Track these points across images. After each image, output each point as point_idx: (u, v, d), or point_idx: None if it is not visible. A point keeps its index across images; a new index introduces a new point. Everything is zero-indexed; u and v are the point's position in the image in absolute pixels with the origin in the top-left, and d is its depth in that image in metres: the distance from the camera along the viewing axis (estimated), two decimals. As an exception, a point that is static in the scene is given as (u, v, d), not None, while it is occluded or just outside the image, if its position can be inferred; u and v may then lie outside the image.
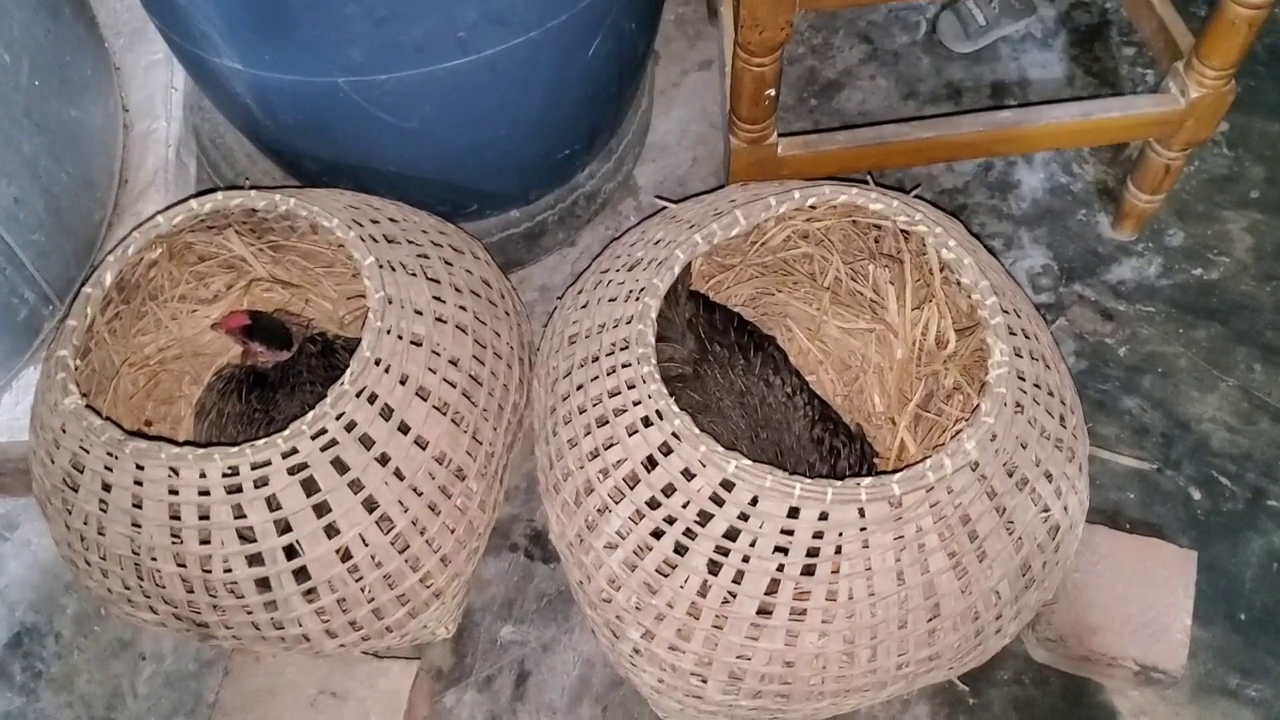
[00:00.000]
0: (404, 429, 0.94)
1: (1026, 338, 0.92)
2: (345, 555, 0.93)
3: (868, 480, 0.80)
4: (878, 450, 1.10)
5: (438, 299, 1.01)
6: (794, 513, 0.81)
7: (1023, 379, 0.89)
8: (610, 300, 0.97)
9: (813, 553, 0.82)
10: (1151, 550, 1.09)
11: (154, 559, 0.93)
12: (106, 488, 0.92)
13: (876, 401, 1.14)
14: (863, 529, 0.82)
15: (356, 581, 0.94)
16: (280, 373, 1.13)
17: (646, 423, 0.87)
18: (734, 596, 0.84)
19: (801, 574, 0.83)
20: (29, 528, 1.24)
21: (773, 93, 1.09)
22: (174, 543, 0.91)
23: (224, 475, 0.89)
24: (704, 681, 0.90)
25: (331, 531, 0.92)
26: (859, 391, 1.17)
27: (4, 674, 1.16)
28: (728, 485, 0.82)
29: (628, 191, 1.47)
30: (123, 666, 1.16)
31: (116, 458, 0.90)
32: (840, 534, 0.82)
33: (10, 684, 1.15)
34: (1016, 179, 1.46)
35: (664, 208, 1.09)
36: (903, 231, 1.04)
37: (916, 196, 1.03)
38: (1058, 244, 1.40)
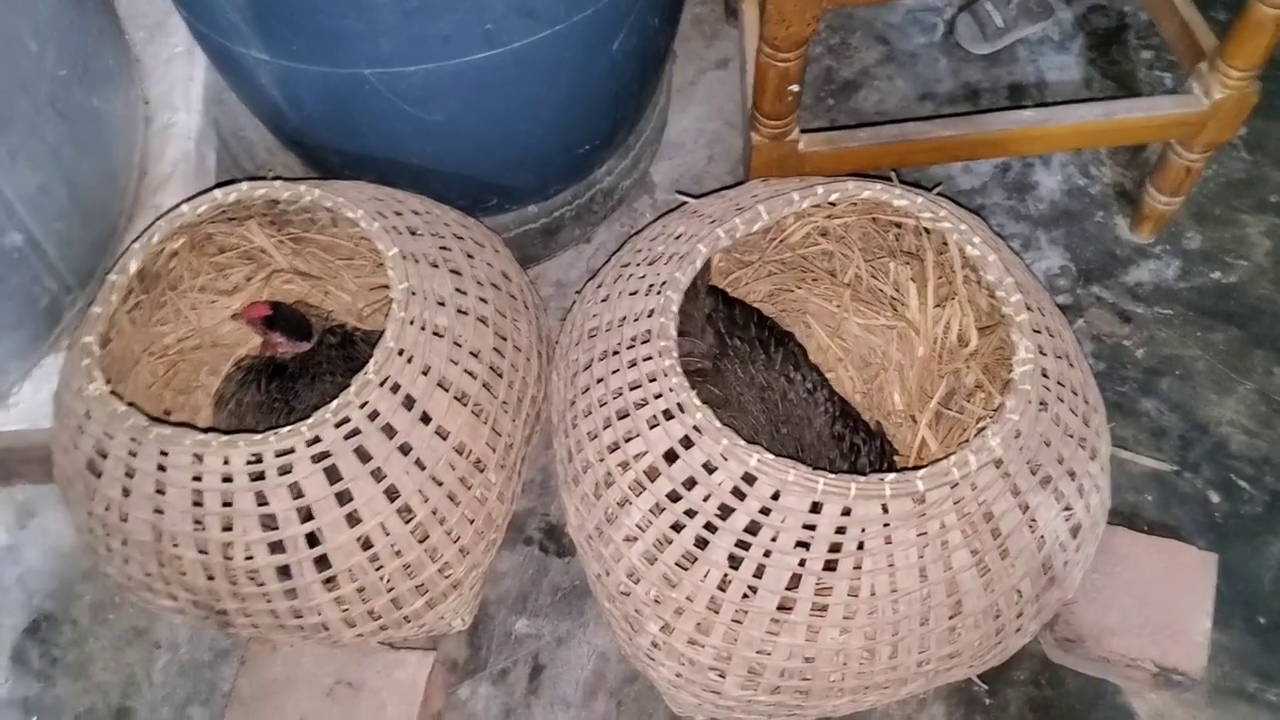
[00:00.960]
0: (425, 419, 0.94)
1: (1050, 335, 0.92)
2: (366, 544, 0.93)
3: (892, 476, 0.80)
4: (897, 448, 1.10)
5: (459, 291, 1.01)
6: (816, 508, 0.81)
7: (1047, 376, 0.89)
8: (631, 294, 0.97)
9: (835, 548, 0.82)
10: (1171, 552, 1.08)
11: (175, 545, 0.93)
12: (130, 474, 0.92)
13: (896, 399, 1.14)
14: (886, 525, 0.82)
15: (376, 571, 0.94)
16: (299, 364, 1.13)
17: (668, 416, 0.87)
18: (754, 591, 0.84)
19: (823, 569, 0.83)
20: (47, 516, 1.24)
21: (796, 89, 1.09)
22: (196, 529, 0.91)
23: (248, 462, 0.89)
24: (722, 676, 0.90)
25: (353, 520, 0.92)
26: (879, 389, 1.16)
27: (22, 660, 1.16)
28: (749, 479, 0.82)
29: (644, 189, 1.47)
30: (138, 655, 1.16)
31: (140, 444, 0.90)
32: (863, 530, 0.82)
33: (28, 670, 1.15)
34: (1034, 180, 1.46)
35: (684, 203, 1.09)
36: (924, 229, 1.04)
37: (938, 195, 1.03)
38: (1075, 246, 1.40)
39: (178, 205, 1.03)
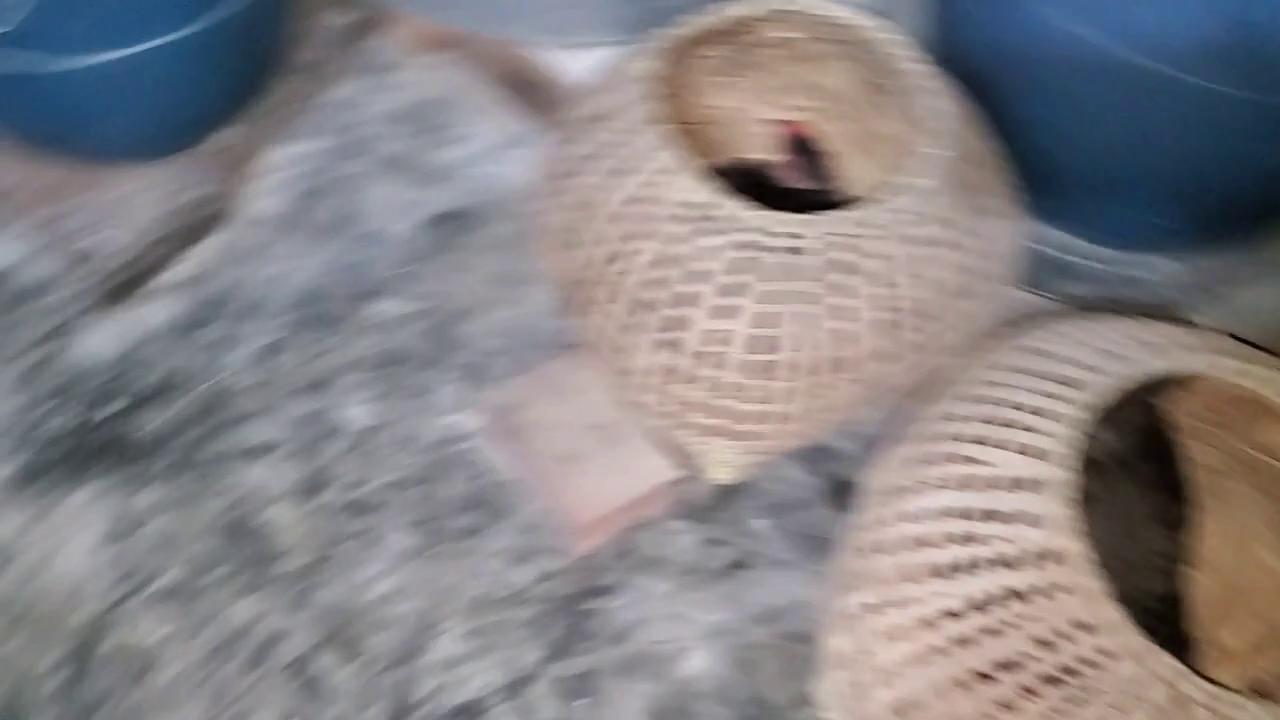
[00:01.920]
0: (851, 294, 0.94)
1: None
2: (724, 340, 0.94)
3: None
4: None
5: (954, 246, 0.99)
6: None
7: None
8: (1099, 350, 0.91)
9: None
10: None
11: (593, 223, 0.98)
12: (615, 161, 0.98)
13: (1225, 639, 1.02)
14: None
15: (714, 365, 0.96)
16: (779, 194, 1.17)
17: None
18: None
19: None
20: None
21: None
22: (614, 223, 0.97)
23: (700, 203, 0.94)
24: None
25: (749, 317, 0.93)
26: (1221, 616, 1.04)
27: (426, 237, 1.31)
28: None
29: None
30: (502, 291, 1.29)
31: (632, 143, 0.97)
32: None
33: (424, 250, 1.31)
34: None
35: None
36: None
37: None
38: None
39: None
